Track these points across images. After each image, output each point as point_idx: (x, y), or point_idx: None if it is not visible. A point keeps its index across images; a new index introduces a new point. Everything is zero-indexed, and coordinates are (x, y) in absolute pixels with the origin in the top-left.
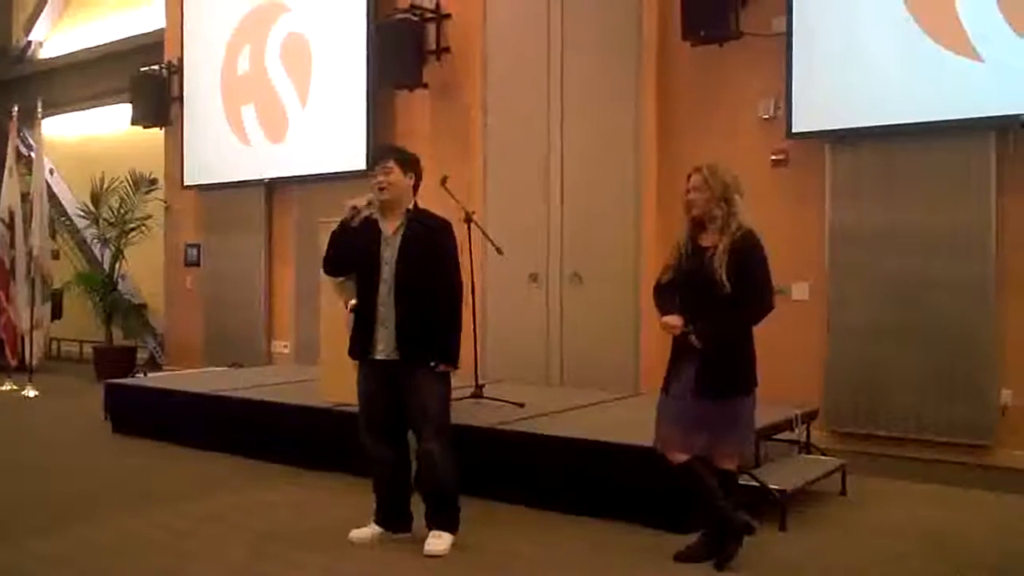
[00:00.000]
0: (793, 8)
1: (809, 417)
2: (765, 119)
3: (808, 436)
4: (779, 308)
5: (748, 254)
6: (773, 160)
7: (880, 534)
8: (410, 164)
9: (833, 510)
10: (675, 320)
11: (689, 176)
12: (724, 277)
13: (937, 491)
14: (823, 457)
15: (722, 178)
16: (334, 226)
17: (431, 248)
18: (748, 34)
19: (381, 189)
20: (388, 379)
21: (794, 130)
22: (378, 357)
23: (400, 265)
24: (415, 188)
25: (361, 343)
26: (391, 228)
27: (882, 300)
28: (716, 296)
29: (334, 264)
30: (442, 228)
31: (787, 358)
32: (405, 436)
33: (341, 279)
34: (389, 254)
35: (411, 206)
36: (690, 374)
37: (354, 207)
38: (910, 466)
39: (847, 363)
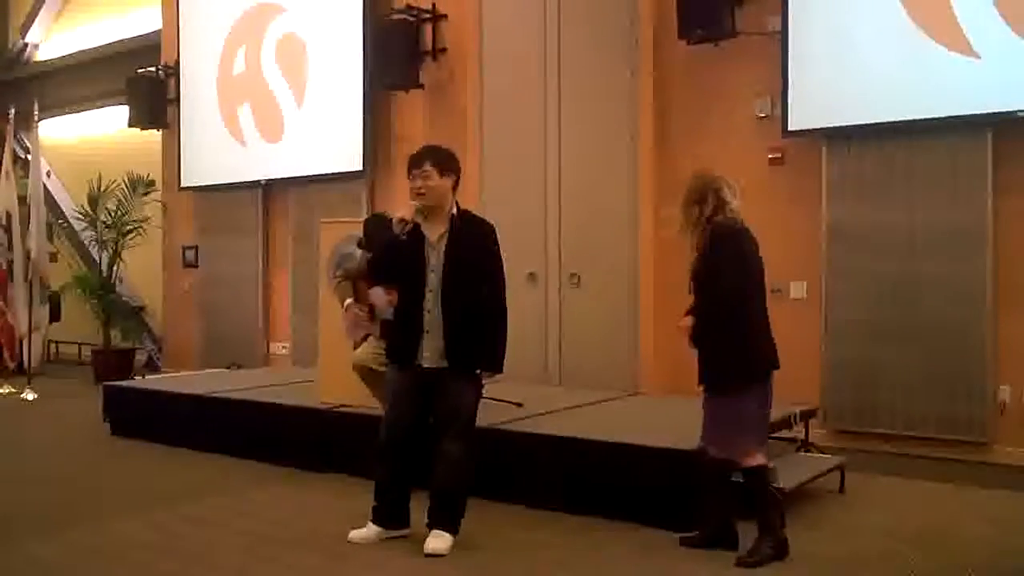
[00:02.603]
0: (789, 6)
1: (807, 415)
2: (761, 118)
3: (807, 434)
4: (776, 307)
5: (706, 249)
6: (770, 159)
7: (878, 532)
8: (448, 165)
9: (832, 508)
10: (687, 321)
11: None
12: (692, 269)
13: (935, 489)
14: (821, 455)
15: (692, 184)
16: (335, 228)
17: (477, 253)
18: (744, 33)
19: (420, 194)
20: (426, 385)
21: (790, 128)
22: (424, 365)
23: (447, 273)
24: (455, 188)
25: (406, 350)
26: (435, 234)
27: (879, 298)
28: (696, 289)
29: (383, 272)
30: (487, 231)
31: (785, 356)
32: (424, 438)
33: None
34: (435, 261)
35: (454, 210)
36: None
37: (402, 219)
38: (909, 463)
39: (845, 361)
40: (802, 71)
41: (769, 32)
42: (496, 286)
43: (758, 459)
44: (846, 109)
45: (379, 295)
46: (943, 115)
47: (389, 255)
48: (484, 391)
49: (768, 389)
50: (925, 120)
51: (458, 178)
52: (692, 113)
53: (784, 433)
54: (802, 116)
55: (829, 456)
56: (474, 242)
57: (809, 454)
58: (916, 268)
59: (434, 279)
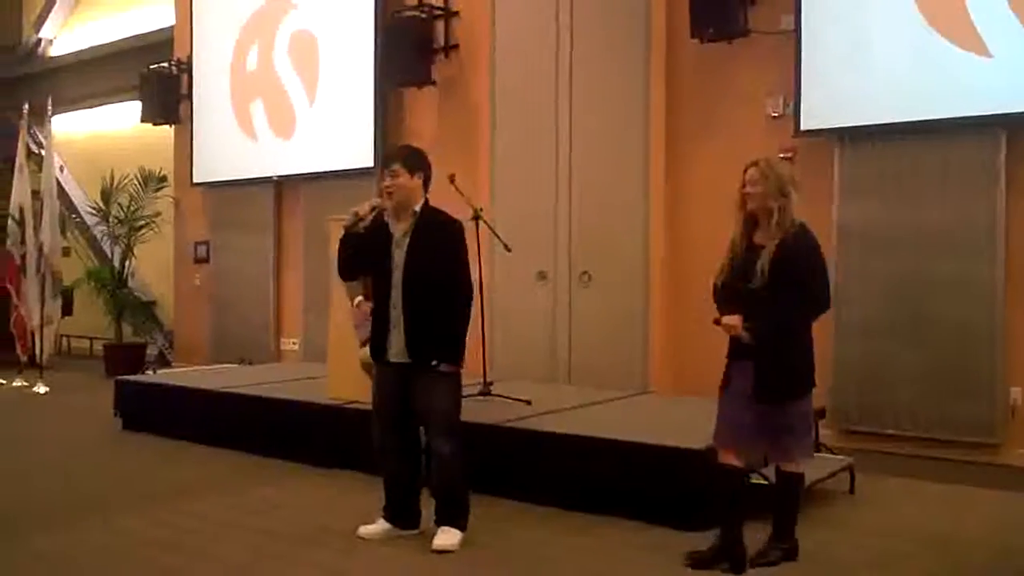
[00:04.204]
0: (802, 5)
1: (817, 415)
2: (773, 117)
3: (816, 434)
4: None
5: (803, 250)
6: (781, 158)
7: (887, 533)
8: (417, 164)
9: (841, 509)
10: (734, 320)
11: (746, 170)
12: (767, 271)
13: (945, 490)
14: (831, 455)
15: (779, 171)
16: (345, 223)
17: (439, 248)
18: (757, 31)
19: (389, 193)
20: (401, 380)
21: (802, 128)
22: (392, 360)
23: (408, 269)
24: (425, 186)
25: (377, 345)
26: (401, 230)
27: (890, 298)
28: (767, 294)
29: (347, 269)
30: (449, 226)
31: None
32: (415, 433)
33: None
34: (399, 258)
35: (419, 207)
36: (747, 376)
37: (356, 213)
38: (918, 465)
39: (855, 361)
40: (815, 70)
41: (782, 31)
42: (458, 281)
43: (804, 465)
44: (858, 108)
45: (361, 308)
46: (956, 115)
47: (347, 251)
48: (491, 389)
49: None
50: (938, 120)
51: (428, 178)
52: (704, 111)
53: None
54: (814, 115)
55: (839, 456)
56: (437, 239)
57: (819, 454)
58: (927, 268)
59: (398, 275)
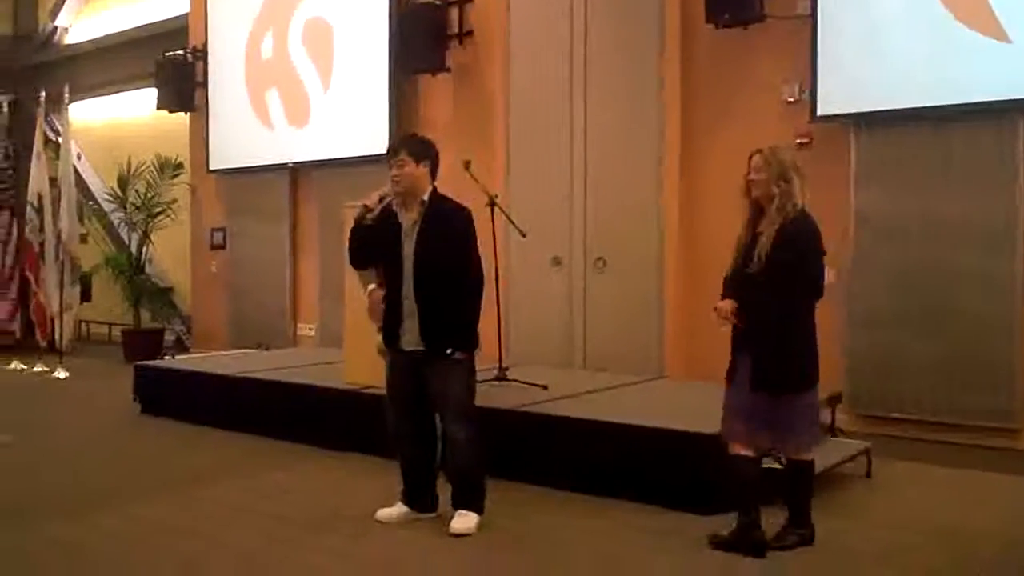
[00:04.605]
0: None
1: (834, 400)
2: (789, 102)
3: (833, 419)
4: None
5: (799, 235)
6: (797, 144)
7: (902, 521)
8: (423, 152)
9: (858, 494)
10: (725, 305)
11: (750, 158)
12: (764, 257)
13: (963, 475)
14: (848, 440)
15: (781, 157)
16: (358, 211)
17: (448, 236)
18: (772, 17)
19: (396, 183)
20: (414, 367)
21: (819, 114)
22: (406, 349)
23: (419, 258)
24: (432, 174)
25: (389, 333)
26: (410, 220)
27: (906, 285)
28: (764, 279)
29: (358, 259)
30: (458, 214)
31: None
32: (430, 417)
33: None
34: (408, 247)
35: (426, 196)
36: (747, 365)
37: (364, 205)
38: (935, 450)
39: (871, 348)
40: (831, 55)
41: (798, 16)
42: (468, 269)
43: (813, 452)
44: (875, 94)
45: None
46: (974, 100)
47: (356, 242)
48: (507, 374)
49: None
50: (955, 106)
51: (435, 166)
52: (719, 97)
53: None
54: (830, 101)
55: (856, 441)
56: (445, 227)
57: (836, 438)
58: (943, 255)
59: (408, 266)
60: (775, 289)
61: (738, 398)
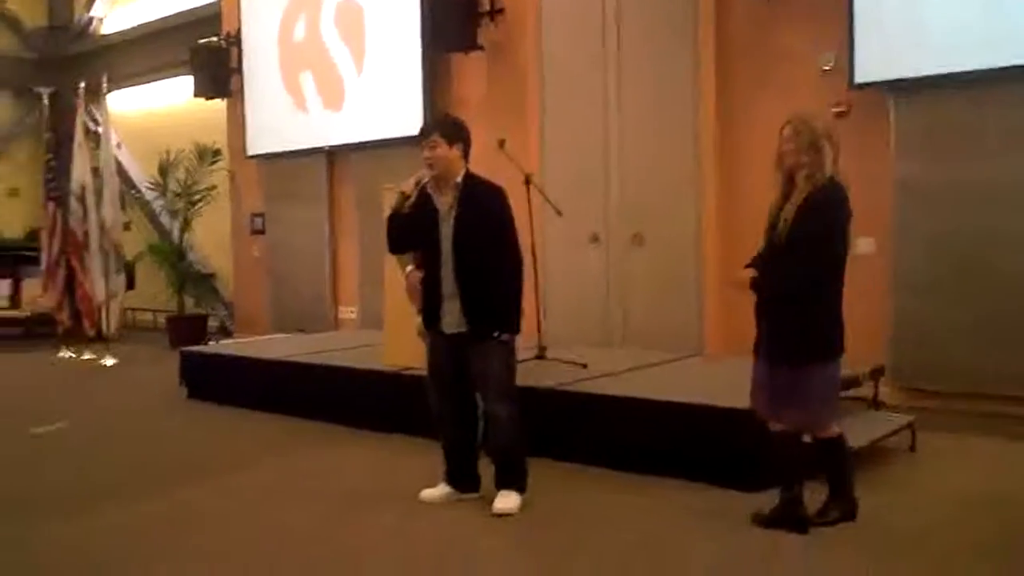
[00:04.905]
0: None
1: (877, 373)
2: (826, 71)
3: (876, 392)
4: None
5: (822, 203)
6: (835, 112)
7: (949, 492)
8: (456, 134)
9: (902, 468)
10: (743, 273)
11: (782, 130)
12: (789, 222)
13: (1008, 447)
14: (892, 414)
15: (811, 125)
16: (396, 198)
17: (485, 218)
18: None
19: (429, 166)
20: (455, 349)
21: (856, 81)
22: (447, 331)
23: (457, 241)
24: (465, 155)
25: (430, 315)
26: (445, 204)
27: (949, 255)
28: (785, 247)
29: (396, 246)
30: (494, 195)
31: (853, 314)
32: (471, 397)
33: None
34: (446, 231)
35: (460, 178)
36: (765, 337)
37: (402, 192)
38: (980, 422)
39: (913, 318)
40: (868, 21)
41: None
42: (507, 249)
43: (838, 427)
44: (914, 60)
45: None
46: (1013, 64)
47: (395, 229)
48: (546, 353)
49: None
50: (997, 69)
51: (468, 147)
52: (755, 67)
53: (853, 392)
54: (868, 68)
55: (899, 415)
56: (482, 209)
57: (879, 412)
58: (987, 224)
59: (447, 248)
60: (797, 259)
61: (761, 371)
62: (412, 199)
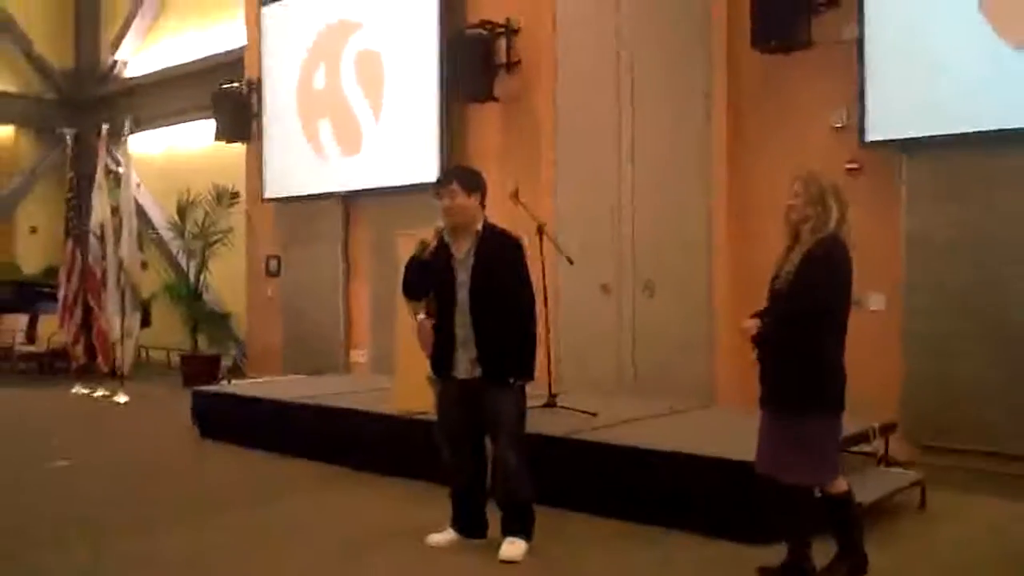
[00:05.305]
0: (865, 15)
1: (887, 429)
2: (837, 128)
3: (886, 449)
4: (855, 319)
5: (817, 260)
6: (847, 169)
7: (958, 551)
8: (474, 184)
9: (911, 524)
10: (749, 324)
11: (792, 184)
12: (791, 275)
13: (1019, 508)
14: (901, 470)
15: (820, 183)
16: (411, 239)
17: (503, 267)
18: (819, 42)
19: (448, 214)
20: (467, 396)
21: (867, 139)
22: (459, 377)
23: (474, 287)
24: (482, 204)
25: (442, 362)
26: (462, 250)
27: (960, 311)
28: (784, 299)
29: (412, 289)
30: (512, 244)
31: (864, 370)
32: (482, 445)
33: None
34: (463, 277)
35: (479, 226)
36: (765, 387)
37: (423, 241)
38: (992, 481)
39: (925, 375)
40: (879, 80)
41: (845, 41)
42: (523, 297)
43: (844, 483)
44: (924, 119)
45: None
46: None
47: (413, 275)
48: (556, 401)
49: None
50: (1007, 130)
51: (484, 196)
52: (767, 123)
53: (863, 448)
54: (879, 126)
55: (909, 471)
56: (499, 256)
57: (888, 469)
58: (999, 281)
59: (463, 294)
60: (791, 307)
61: (762, 423)
62: (432, 247)
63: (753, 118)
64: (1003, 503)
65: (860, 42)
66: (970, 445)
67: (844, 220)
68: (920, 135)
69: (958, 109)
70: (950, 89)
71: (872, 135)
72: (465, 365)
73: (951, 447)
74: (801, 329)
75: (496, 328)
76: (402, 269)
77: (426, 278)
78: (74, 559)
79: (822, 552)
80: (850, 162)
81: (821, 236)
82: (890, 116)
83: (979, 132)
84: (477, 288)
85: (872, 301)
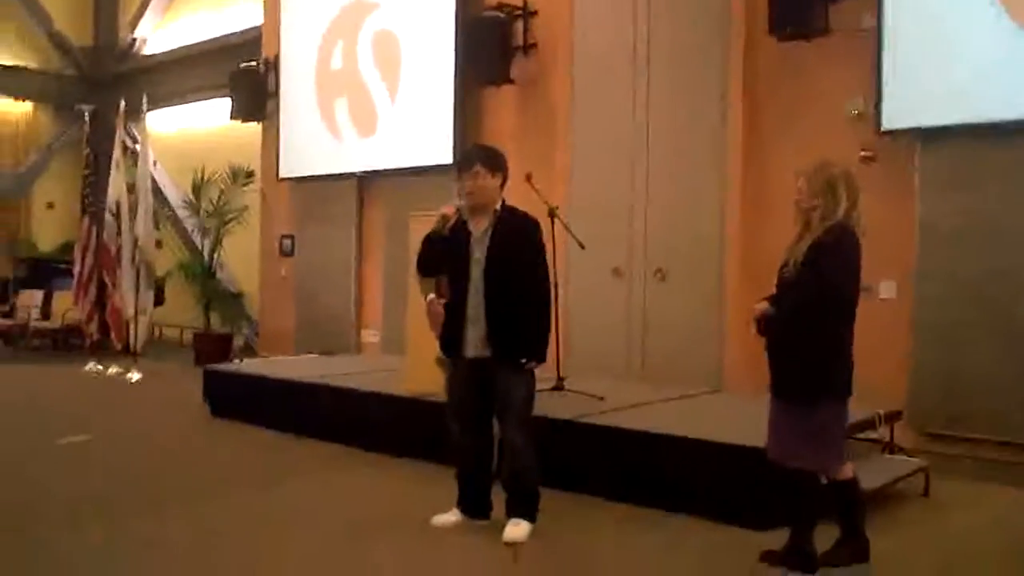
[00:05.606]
0: (883, 4)
1: (892, 417)
2: (854, 116)
3: (892, 436)
4: (865, 306)
5: (825, 248)
6: (862, 157)
7: (960, 537)
8: (497, 165)
9: (915, 511)
10: (758, 306)
11: (796, 181)
12: (798, 264)
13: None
14: (905, 458)
15: (828, 172)
16: (424, 220)
17: (520, 247)
18: (837, 30)
19: (470, 194)
20: (477, 374)
21: (884, 127)
22: (469, 355)
23: (490, 264)
24: (503, 186)
25: (452, 340)
26: (480, 228)
27: (971, 300)
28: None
29: (426, 266)
30: (530, 226)
31: (873, 357)
32: (490, 426)
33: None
34: (479, 254)
35: (498, 206)
36: (773, 374)
37: (444, 215)
38: (999, 469)
39: (934, 363)
40: (896, 69)
41: (864, 29)
42: (538, 278)
43: (850, 469)
44: (941, 108)
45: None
46: None
47: (429, 250)
48: (565, 385)
49: None
50: (1022, 119)
51: (506, 177)
52: (782, 110)
53: (868, 434)
54: (896, 115)
55: (913, 459)
56: (517, 236)
57: (892, 456)
58: (1012, 270)
59: (477, 272)
60: (799, 294)
61: (772, 410)
62: (452, 222)
63: (769, 106)
64: (1010, 492)
65: (878, 30)
66: (979, 434)
67: (855, 208)
68: (935, 124)
69: (974, 98)
70: (966, 78)
71: (888, 124)
72: (475, 343)
73: (960, 436)
74: (810, 317)
75: (508, 307)
76: (415, 250)
77: (442, 254)
78: (84, 538)
79: (823, 537)
80: (864, 150)
81: (830, 224)
82: (906, 105)
83: (994, 122)
84: (492, 266)
85: (883, 289)
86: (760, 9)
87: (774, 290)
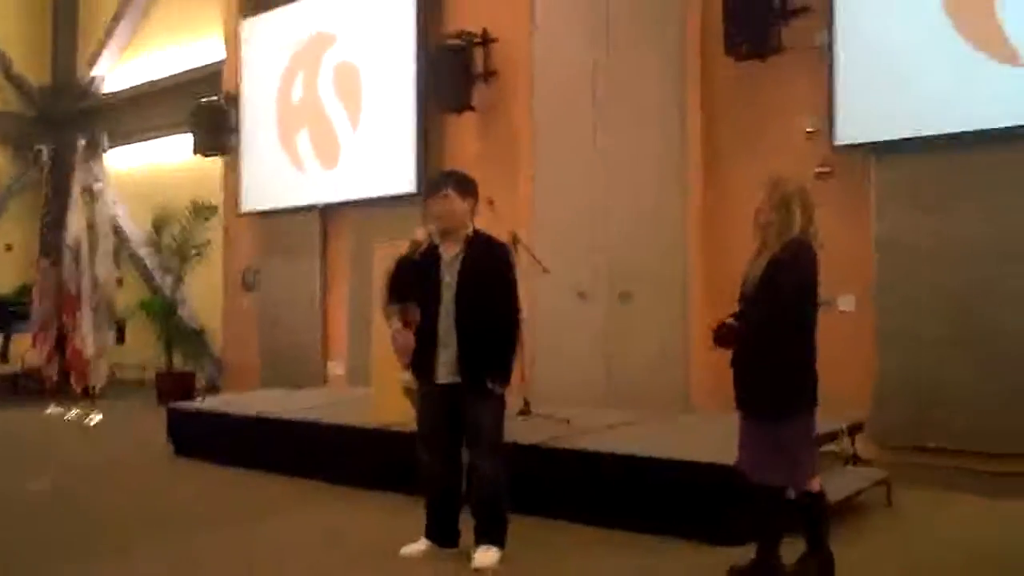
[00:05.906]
0: (835, 21)
1: (855, 429)
2: (809, 132)
3: (854, 448)
4: (825, 320)
5: (783, 264)
6: (818, 172)
7: (924, 546)
8: (467, 189)
9: (878, 522)
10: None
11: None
12: (757, 280)
13: (988, 504)
14: (867, 469)
15: (784, 188)
16: (390, 249)
17: (490, 271)
18: (791, 48)
19: (439, 218)
20: (447, 400)
21: (838, 143)
22: (440, 381)
23: (461, 289)
24: (473, 210)
25: (424, 365)
26: (451, 252)
27: (930, 311)
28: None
29: (398, 290)
30: (500, 250)
31: (834, 370)
32: (459, 453)
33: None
34: (449, 278)
35: (469, 231)
36: (739, 391)
37: (415, 240)
38: (961, 479)
39: (895, 375)
40: (849, 85)
41: (816, 47)
42: (508, 303)
43: (818, 482)
44: (893, 122)
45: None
46: (992, 127)
47: (402, 274)
48: (530, 409)
49: None
50: (973, 132)
51: (476, 201)
52: (740, 129)
53: (831, 447)
54: (849, 130)
55: (876, 470)
56: (487, 261)
57: (855, 467)
58: (967, 281)
59: (448, 295)
60: (759, 311)
61: (742, 427)
62: (423, 247)
63: (727, 125)
64: (972, 500)
65: (830, 48)
66: (941, 444)
67: (811, 223)
68: (888, 138)
69: (925, 112)
70: (918, 93)
71: (842, 139)
72: (446, 368)
73: (922, 446)
74: (771, 334)
75: (478, 330)
76: (380, 281)
77: (414, 278)
78: None
79: (789, 551)
80: (820, 166)
81: (787, 240)
82: (859, 120)
83: (945, 135)
84: (463, 290)
85: (842, 302)
86: (715, 30)
87: (737, 307)
